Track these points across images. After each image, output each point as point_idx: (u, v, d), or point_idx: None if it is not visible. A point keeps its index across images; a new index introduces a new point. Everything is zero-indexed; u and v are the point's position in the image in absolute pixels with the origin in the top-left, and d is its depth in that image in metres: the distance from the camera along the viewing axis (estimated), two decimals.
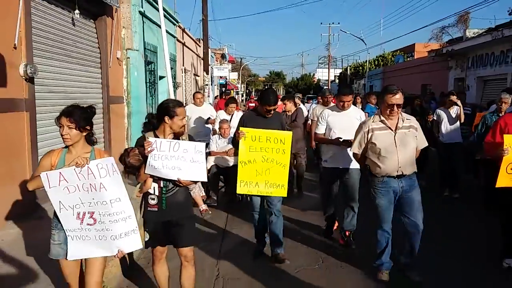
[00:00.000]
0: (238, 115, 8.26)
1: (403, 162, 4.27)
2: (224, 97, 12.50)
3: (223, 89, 36.03)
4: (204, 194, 6.92)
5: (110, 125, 9.29)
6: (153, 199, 3.62)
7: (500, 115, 6.53)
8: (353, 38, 54.73)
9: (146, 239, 3.68)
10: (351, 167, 5.34)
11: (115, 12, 9.41)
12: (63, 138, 3.02)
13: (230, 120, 8.08)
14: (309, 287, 4.54)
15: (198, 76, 23.08)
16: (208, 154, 7.16)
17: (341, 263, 5.06)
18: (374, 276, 4.54)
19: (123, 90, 10.27)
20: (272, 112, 4.89)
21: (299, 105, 10.40)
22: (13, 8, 5.56)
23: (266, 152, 4.71)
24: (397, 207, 4.45)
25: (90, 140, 3.18)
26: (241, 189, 4.82)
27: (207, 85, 19.40)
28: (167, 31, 12.55)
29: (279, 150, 4.71)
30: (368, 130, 4.38)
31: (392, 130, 4.31)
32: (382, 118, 4.35)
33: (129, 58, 10.35)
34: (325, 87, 48.66)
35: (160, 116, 3.59)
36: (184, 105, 4.44)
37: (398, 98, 4.21)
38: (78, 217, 2.98)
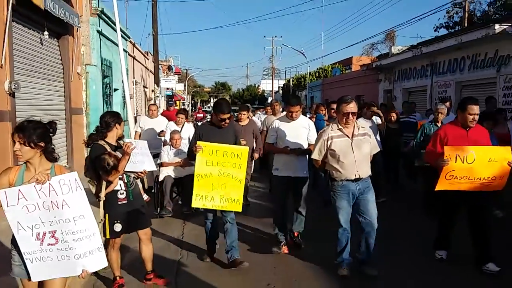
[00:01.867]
0: (187, 126, 8.68)
1: (360, 166, 4.58)
2: (168, 108, 12.82)
3: (169, 100, 36.62)
4: (160, 176, 7.29)
5: (72, 134, 10.14)
6: (122, 193, 4.24)
7: (438, 124, 6.90)
8: (295, 51, 57.56)
9: (118, 230, 4.22)
10: (301, 175, 5.49)
11: (76, 31, 10.32)
12: (15, 155, 2.87)
13: (180, 131, 8.16)
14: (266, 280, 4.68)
15: (147, 88, 23.90)
16: (160, 165, 7.34)
17: (300, 260, 5.25)
18: (334, 272, 4.75)
19: (82, 102, 11.14)
20: (227, 121, 5.01)
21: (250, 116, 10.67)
22: None
23: (223, 166, 4.79)
24: (354, 208, 4.73)
25: (51, 156, 3.00)
26: (196, 203, 4.87)
27: (158, 97, 20.30)
28: (115, 44, 13.52)
29: (235, 164, 4.81)
30: (328, 138, 4.64)
31: (349, 137, 4.60)
32: (340, 126, 4.64)
33: (87, 72, 11.27)
34: (269, 98, 50.35)
35: (111, 124, 4.25)
36: (136, 115, 5.48)
37: (352, 107, 4.52)
38: (37, 238, 2.76)
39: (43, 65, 8.71)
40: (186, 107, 38.50)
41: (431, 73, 16.60)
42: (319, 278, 4.79)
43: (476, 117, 4.82)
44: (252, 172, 8.19)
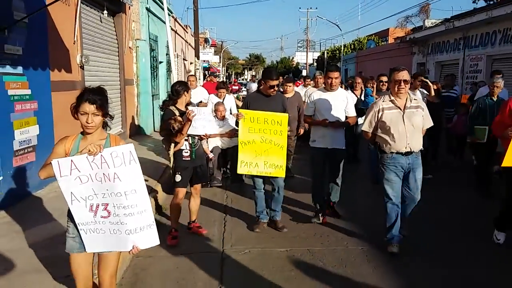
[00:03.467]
0: (229, 97, 8.99)
1: (411, 139, 4.49)
2: (209, 79, 13.45)
3: (206, 72, 37.71)
4: (209, 147, 7.34)
5: (126, 103, 11.33)
6: (187, 152, 4.90)
7: (494, 98, 6.66)
8: (330, 23, 57.11)
9: (178, 180, 4.88)
10: (338, 147, 5.48)
11: (128, 9, 11.37)
12: (86, 127, 2.78)
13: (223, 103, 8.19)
14: (308, 253, 4.67)
15: (186, 60, 24.98)
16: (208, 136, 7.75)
17: (347, 243, 5.03)
18: (382, 250, 4.67)
19: (133, 74, 12.29)
20: (275, 88, 5.12)
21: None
22: (71, 13, 7.56)
23: (264, 133, 4.93)
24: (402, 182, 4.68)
25: (106, 125, 2.96)
26: (241, 169, 5.05)
27: (198, 69, 21.37)
28: (161, 20, 14.58)
29: (276, 131, 4.93)
30: (379, 110, 4.58)
31: (400, 109, 4.51)
32: (392, 98, 4.57)
33: (138, 47, 12.36)
34: (303, 70, 50.60)
35: (180, 92, 4.85)
36: None
37: (403, 74, 4.49)
38: (91, 209, 2.73)
39: (102, 41, 9.82)
40: (220, 79, 39.50)
41: (463, 47, 16.91)
42: (369, 259, 4.58)
43: None
44: (294, 147, 8.03)
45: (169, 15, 17.75)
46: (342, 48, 37.75)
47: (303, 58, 56.42)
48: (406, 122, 4.49)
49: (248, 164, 4.99)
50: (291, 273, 4.26)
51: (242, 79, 77.13)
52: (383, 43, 36.00)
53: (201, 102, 9.20)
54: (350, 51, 38.97)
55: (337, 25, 38.77)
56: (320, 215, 5.60)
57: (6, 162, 5.46)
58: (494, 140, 6.08)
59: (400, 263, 4.45)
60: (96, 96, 2.75)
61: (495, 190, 6.71)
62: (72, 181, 2.66)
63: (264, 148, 4.95)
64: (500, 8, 13.49)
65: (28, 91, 5.90)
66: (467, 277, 4.16)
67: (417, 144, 4.57)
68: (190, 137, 4.90)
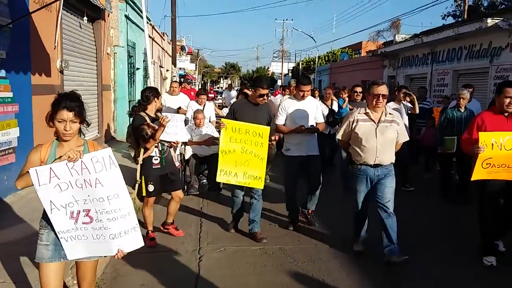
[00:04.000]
0: (209, 105, 8.76)
1: (381, 152, 4.52)
2: (183, 86, 13.39)
3: (181, 79, 37.75)
4: (186, 155, 7.37)
5: (103, 108, 11.46)
6: (156, 159, 4.91)
7: (461, 109, 6.95)
8: (305, 35, 57.92)
9: (151, 190, 4.88)
10: (313, 153, 5.55)
11: (107, 16, 11.55)
12: (64, 135, 2.70)
13: (202, 110, 8.03)
14: (279, 251, 4.93)
15: (163, 67, 25.10)
16: (185, 143, 7.27)
17: (316, 242, 5.31)
18: (361, 267, 4.65)
19: (111, 80, 12.43)
20: (264, 97, 5.13)
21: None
22: (52, 19, 7.72)
23: (245, 144, 4.94)
24: (371, 193, 4.71)
25: (81, 132, 2.87)
26: (220, 178, 5.06)
27: (174, 76, 21.55)
28: (139, 27, 14.77)
29: (257, 143, 4.94)
30: (353, 120, 4.63)
31: (374, 122, 4.55)
32: (368, 110, 4.60)
33: (116, 53, 12.53)
34: (279, 80, 51.25)
35: (150, 98, 4.84)
36: None
37: (382, 89, 4.49)
38: (72, 217, 2.67)
39: (81, 46, 9.98)
40: (196, 86, 39.71)
41: (431, 61, 17.63)
42: (336, 256, 4.87)
43: None
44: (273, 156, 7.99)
45: (147, 23, 18.04)
46: (317, 59, 38.53)
47: (279, 68, 57.08)
48: (379, 136, 4.51)
49: (228, 173, 5.02)
50: (264, 268, 4.56)
51: (218, 87, 77.41)
52: (356, 55, 36.96)
53: (180, 108, 9.07)
54: (325, 62, 39.81)
55: (311, 37, 39.62)
56: (294, 222, 5.73)
57: None
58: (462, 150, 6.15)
59: (365, 262, 4.74)
60: (74, 103, 2.68)
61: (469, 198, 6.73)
62: (51, 189, 2.59)
63: (245, 159, 4.98)
64: (466, 26, 14.21)
65: (10, 94, 6.04)
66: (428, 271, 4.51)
67: (387, 158, 4.61)
68: (160, 144, 4.93)
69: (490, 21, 12.71)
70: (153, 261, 4.64)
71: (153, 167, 4.90)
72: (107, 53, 11.87)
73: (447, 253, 5.09)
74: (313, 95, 7.24)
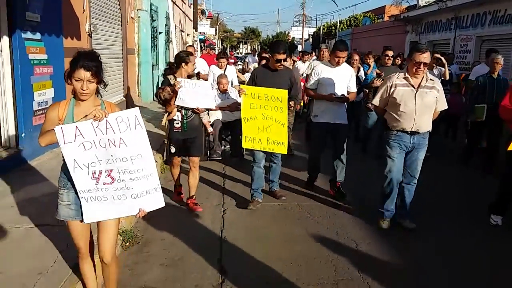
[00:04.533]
0: (230, 68, 8.61)
1: (419, 118, 4.39)
2: (207, 51, 13.41)
3: (201, 44, 37.83)
4: (210, 120, 7.14)
5: (127, 71, 11.79)
6: (178, 123, 4.91)
7: (494, 75, 6.69)
8: None
9: (172, 151, 5.02)
10: (341, 122, 5.44)
11: None
12: (81, 94, 2.68)
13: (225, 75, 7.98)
14: (297, 207, 5.27)
15: (184, 31, 25.21)
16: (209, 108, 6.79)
17: (332, 200, 5.56)
18: (373, 223, 4.81)
19: (134, 44, 12.71)
20: (282, 62, 5.02)
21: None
22: None
23: (266, 110, 4.90)
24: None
25: (99, 92, 2.85)
26: (246, 144, 5.06)
27: (195, 41, 21.70)
28: None
29: (277, 108, 4.86)
30: (392, 85, 4.45)
31: (414, 88, 4.38)
32: (407, 75, 4.42)
33: (139, 17, 12.74)
34: (299, 46, 50.74)
35: (179, 63, 4.89)
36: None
37: (425, 56, 4.26)
38: (93, 177, 2.69)
39: (107, 10, 10.21)
40: (216, 51, 39.71)
41: (454, 27, 17.40)
42: (350, 213, 5.14)
43: None
44: (292, 124, 7.77)
45: None
46: (338, 24, 37.96)
47: (299, 33, 56.40)
48: (418, 101, 4.36)
49: (252, 139, 5.00)
50: (282, 221, 4.94)
51: (237, 53, 76.96)
52: (379, 20, 36.27)
53: (198, 73, 8.55)
54: (346, 27, 39.22)
55: (333, 1, 38.84)
56: (312, 182, 5.90)
57: (27, 121, 6.02)
58: (493, 118, 6.07)
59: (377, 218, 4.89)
60: (92, 62, 2.64)
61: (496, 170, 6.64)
62: (76, 148, 2.60)
63: (266, 125, 4.94)
64: None
65: (45, 56, 6.39)
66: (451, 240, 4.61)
67: (425, 125, 4.48)
68: (183, 109, 4.91)
69: None
70: (181, 213, 5.06)
71: (174, 130, 4.96)
72: (131, 17, 12.10)
73: (454, 214, 5.30)
74: (349, 62, 6.96)
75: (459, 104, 8.31)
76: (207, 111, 5.53)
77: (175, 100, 4.73)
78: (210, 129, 7.03)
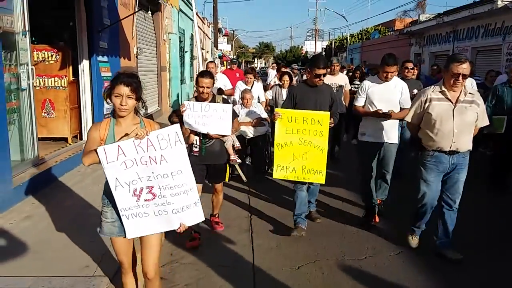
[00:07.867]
0: (257, 85, 8.42)
1: (458, 137, 3.95)
2: (230, 66, 14.56)
3: (219, 60, 39.79)
4: (238, 145, 6.22)
5: (161, 86, 13.75)
6: (196, 147, 4.48)
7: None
8: (339, 13, 59.13)
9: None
10: (391, 141, 5.02)
11: (164, 8, 13.74)
12: (120, 109, 2.70)
13: (250, 90, 7.73)
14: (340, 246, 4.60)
15: (204, 49, 27.34)
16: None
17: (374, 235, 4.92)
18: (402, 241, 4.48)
19: (166, 62, 14.69)
20: (322, 77, 4.65)
21: (296, 76, 11.53)
22: (130, 17, 9.94)
23: (303, 134, 4.51)
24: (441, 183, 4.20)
25: (139, 110, 2.90)
26: (277, 174, 4.67)
27: (216, 58, 23.72)
28: (187, 16, 16.97)
29: (316, 132, 4.49)
30: (426, 100, 4.04)
31: (452, 102, 3.95)
32: (443, 89, 3.98)
33: (170, 39, 14.74)
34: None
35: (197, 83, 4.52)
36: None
37: (465, 67, 3.81)
38: (134, 194, 2.72)
39: (146, 35, 12.22)
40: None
41: (453, 39, 19.04)
42: (393, 250, 4.49)
43: None
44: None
45: (192, 9, 20.23)
46: (348, 38, 39.67)
47: (312, 47, 57.98)
48: (456, 118, 3.93)
49: (285, 168, 4.63)
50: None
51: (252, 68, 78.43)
52: (390, 33, 37.89)
53: (219, 89, 8.24)
54: (358, 40, 40.88)
55: (343, 16, 40.79)
56: (370, 216, 5.23)
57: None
58: None
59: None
60: (131, 78, 2.73)
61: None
62: (118, 167, 2.66)
63: (303, 151, 4.56)
64: (480, 7, 15.65)
65: (110, 74, 8.30)
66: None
67: (465, 144, 4.03)
68: (201, 133, 4.50)
69: (500, 3, 14.15)
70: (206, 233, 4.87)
71: (192, 153, 4.46)
72: (164, 40, 14.08)
73: (500, 243, 4.68)
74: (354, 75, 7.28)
75: None
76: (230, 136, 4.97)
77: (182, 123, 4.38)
78: (232, 157, 5.55)
